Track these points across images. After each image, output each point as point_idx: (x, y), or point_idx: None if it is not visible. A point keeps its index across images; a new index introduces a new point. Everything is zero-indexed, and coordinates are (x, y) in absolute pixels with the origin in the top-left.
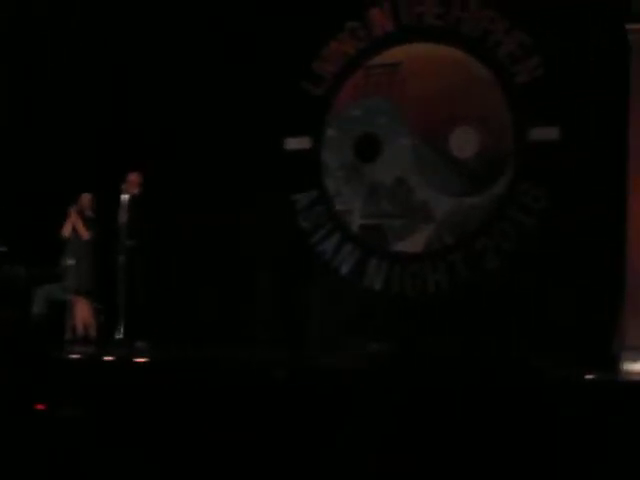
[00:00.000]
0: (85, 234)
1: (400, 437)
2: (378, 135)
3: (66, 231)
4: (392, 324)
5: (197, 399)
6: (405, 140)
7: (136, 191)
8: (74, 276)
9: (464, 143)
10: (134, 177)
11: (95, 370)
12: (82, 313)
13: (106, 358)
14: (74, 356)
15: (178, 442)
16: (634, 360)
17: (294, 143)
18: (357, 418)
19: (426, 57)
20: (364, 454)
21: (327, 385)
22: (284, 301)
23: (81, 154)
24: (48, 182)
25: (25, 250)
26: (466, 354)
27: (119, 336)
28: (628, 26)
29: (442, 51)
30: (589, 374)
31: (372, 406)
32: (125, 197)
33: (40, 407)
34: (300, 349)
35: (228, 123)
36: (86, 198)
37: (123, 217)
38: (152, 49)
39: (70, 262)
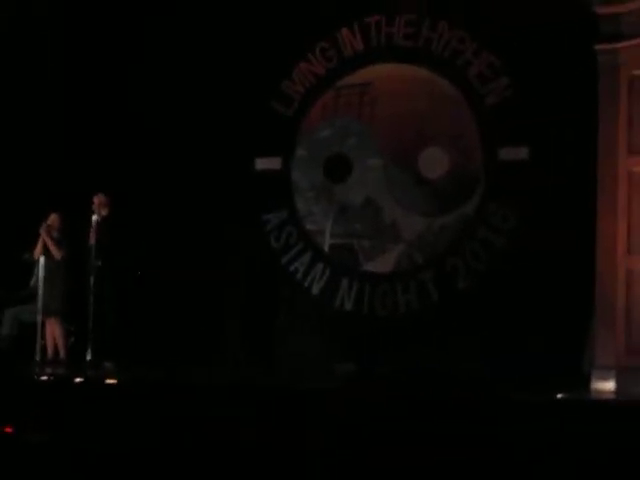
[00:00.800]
0: (58, 254)
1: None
2: (348, 155)
3: (37, 251)
4: (363, 344)
5: (166, 420)
6: (375, 160)
7: (105, 212)
8: (44, 297)
9: (434, 163)
10: (102, 198)
11: (64, 392)
12: (52, 334)
13: (76, 380)
14: (44, 377)
15: (146, 463)
16: (604, 379)
17: (264, 163)
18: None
19: (396, 77)
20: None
21: (296, 406)
22: (255, 321)
23: (49, 174)
24: (14, 202)
25: None
26: (432, 374)
27: (88, 357)
28: (597, 47)
29: (412, 71)
30: (560, 393)
31: (337, 427)
32: (95, 218)
33: (8, 430)
34: (270, 369)
35: (198, 144)
36: (55, 218)
37: (93, 238)
38: (126, 69)
39: (40, 283)
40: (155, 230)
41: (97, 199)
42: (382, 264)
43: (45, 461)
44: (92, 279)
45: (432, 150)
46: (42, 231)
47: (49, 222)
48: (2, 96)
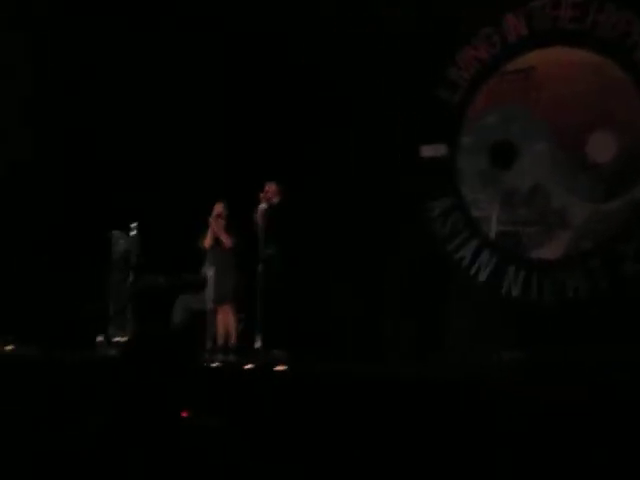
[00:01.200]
0: (228, 242)
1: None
2: (514, 141)
3: (207, 240)
4: (530, 332)
5: (335, 409)
6: (541, 146)
7: (276, 200)
8: (215, 285)
9: (601, 147)
10: (274, 186)
11: (236, 378)
12: (223, 322)
13: (246, 367)
14: (215, 364)
15: (317, 448)
16: None
17: (430, 151)
18: (493, 428)
19: (561, 61)
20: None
21: (463, 394)
22: (422, 309)
23: (218, 162)
24: (185, 191)
25: (165, 260)
26: (600, 364)
27: (258, 345)
28: None
29: (578, 55)
30: None
31: (506, 416)
32: (263, 205)
33: (185, 415)
34: (439, 359)
35: (365, 132)
36: (220, 206)
37: (261, 226)
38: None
39: (210, 271)
40: (322, 218)
41: (269, 187)
42: (549, 251)
43: (220, 443)
44: (260, 267)
45: (600, 134)
46: (212, 220)
47: (217, 211)
48: (170, 84)
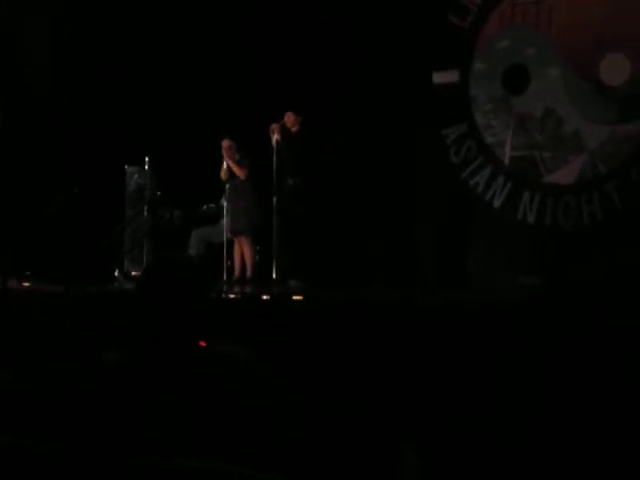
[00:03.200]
0: (241, 173)
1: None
2: (526, 66)
3: (223, 172)
4: (546, 258)
5: (353, 338)
6: (554, 69)
7: (295, 129)
8: (230, 216)
9: (615, 70)
10: (292, 116)
11: (253, 309)
12: (239, 253)
13: (263, 297)
14: (232, 296)
15: (335, 378)
16: None
17: (442, 77)
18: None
19: None
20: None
21: (486, 320)
22: (438, 237)
23: (234, 95)
24: (200, 125)
25: (181, 193)
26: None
27: (274, 275)
28: None
29: None
30: None
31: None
32: (275, 137)
33: (202, 344)
34: (458, 284)
35: (377, 59)
36: (227, 141)
37: (280, 157)
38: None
39: (226, 203)
40: (338, 149)
41: (287, 116)
42: (564, 175)
43: (242, 368)
44: (275, 198)
45: (613, 56)
46: (223, 152)
47: (224, 145)
48: (186, 17)
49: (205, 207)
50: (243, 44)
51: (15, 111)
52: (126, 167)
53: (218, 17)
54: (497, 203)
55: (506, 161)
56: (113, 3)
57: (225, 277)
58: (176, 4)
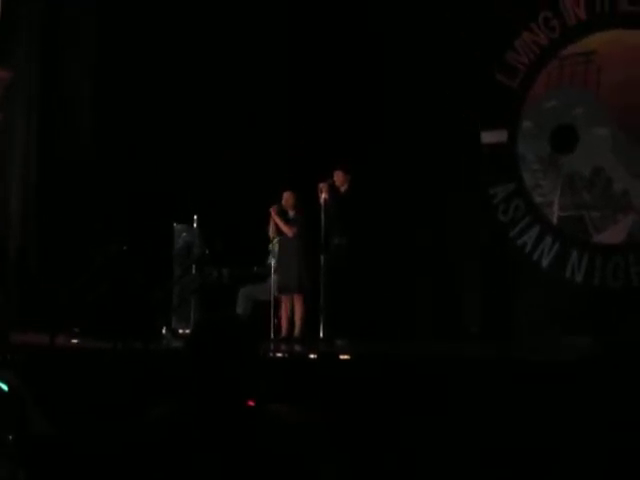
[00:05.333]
0: (289, 232)
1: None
2: (574, 125)
3: (271, 230)
4: (594, 317)
5: (401, 397)
6: (602, 129)
7: (344, 189)
8: (278, 275)
9: None
10: (341, 174)
11: (301, 368)
12: (286, 312)
13: (310, 356)
14: (279, 355)
15: (382, 437)
16: None
17: (490, 136)
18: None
19: (621, 44)
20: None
21: (533, 377)
22: (485, 295)
23: (284, 152)
24: (247, 183)
25: (228, 251)
26: None
27: (321, 334)
28: None
29: (638, 37)
30: None
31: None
32: (324, 196)
33: (250, 404)
34: (504, 343)
35: (426, 118)
36: (288, 196)
37: (328, 215)
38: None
39: (274, 261)
40: (387, 208)
41: (336, 175)
42: (613, 235)
43: (290, 430)
44: (323, 256)
45: None
46: (271, 210)
47: (283, 200)
48: (232, 73)
49: (256, 268)
50: (292, 101)
51: (65, 169)
52: (174, 225)
53: (261, 75)
54: (545, 262)
55: (554, 220)
56: (159, 62)
57: (272, 335)
58: (221, 57)
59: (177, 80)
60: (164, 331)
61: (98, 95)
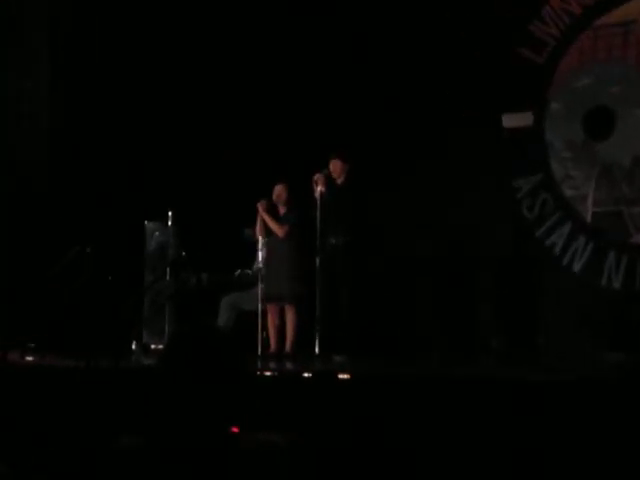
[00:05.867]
0: (280, 231)
1: None
2: (611, 107)
3: (258, 230)
4: (633, 329)
5: (406, 422)
6: None
7: (341, 180)
8: (266, 281)
9: None
10: (338, 164)
11: (293, 389)
12: (275, 324)
13: (305, 374)
14: (268, 373)
15: (380, 458)
16: None
17: (513, 120)
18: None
19: None
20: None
21: (567, 397)
22: (508, 304)
23: (270, 139)
24: (230, 173)
25: (208, 254)
26: None
27: (316, 350)
28: None
29: None
30: None
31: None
32: (319, 189)
33: (235, 430)
34: (530, 359)
35: (440, 98)
36: (280, 190)
37: (323, 211)
38: None
39: (262, 265)
40: (391, 203)
41: (332, 165)
42: None
43: (281, 464)
44: (318, 259)
45: None
46: (259, 206)
47: (274, 194)
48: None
49: (239, 272)
50: (281, 79)
51: (20, 162)
52: (146, 223)
53: (240, 62)
54: (577, 266)
55: (588, 218)
56: (126, 49)
57: (259, 351)
58: (197, 41)
59: (148, 66)
60: (134, 346)
61: (57, 85)
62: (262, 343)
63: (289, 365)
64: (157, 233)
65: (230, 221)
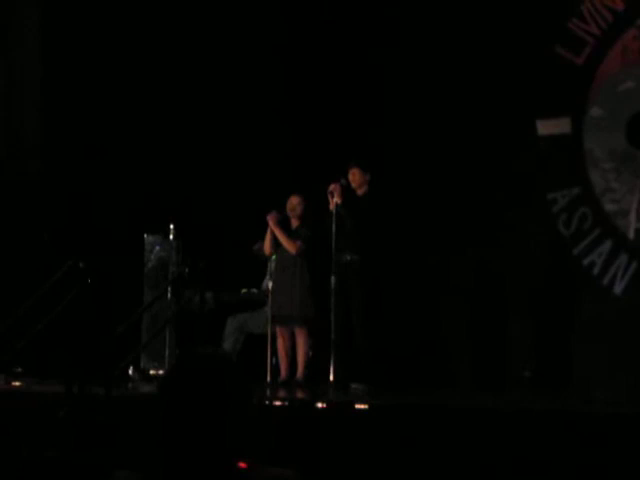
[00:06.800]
0: (292, 248)
1: None
2: None
3: (266, 246)
4: None
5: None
6: None
7: (361, 192)
8: (275, 302)
9: None
10: (358, 174)
11: (306, 420)
12: (286, 349)
13: (318, 405)
14: (278, 403)
15: None
16: None
17: (548, 127)
18: None
19: None
20: None
21: (601, 434)
22: (541, 330)
23: (282, 147)
24: (238, 182)
25: (213, 271)
26: None
27: (331, 377)
28: None
29: None
30: None
31: None
32: (335, 200)
33: (242, 465)
34: (566, 390)
35: (465, 103)
36: (295, 201)
37: (339, 226)
38: None
39: (272, 284)
40: (416, 216)
41: (352, 174)
42: None
43: None
44: (333, 278)
45: None
46: (269, 219)
47: (289, 206)
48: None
49: (245, 291)
50: (296, 81)
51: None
52: (145, 236)
53: (254, 63)
54: (618, 288)
55: (630, 234)
56: (128, 48)
57: (269, 378)
58: (203, 48)
59: (148, 69)
60: (131, 372)
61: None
62: (272, 369)
63: (300, 394)
64: (157, 247)
65: (237, 235)
